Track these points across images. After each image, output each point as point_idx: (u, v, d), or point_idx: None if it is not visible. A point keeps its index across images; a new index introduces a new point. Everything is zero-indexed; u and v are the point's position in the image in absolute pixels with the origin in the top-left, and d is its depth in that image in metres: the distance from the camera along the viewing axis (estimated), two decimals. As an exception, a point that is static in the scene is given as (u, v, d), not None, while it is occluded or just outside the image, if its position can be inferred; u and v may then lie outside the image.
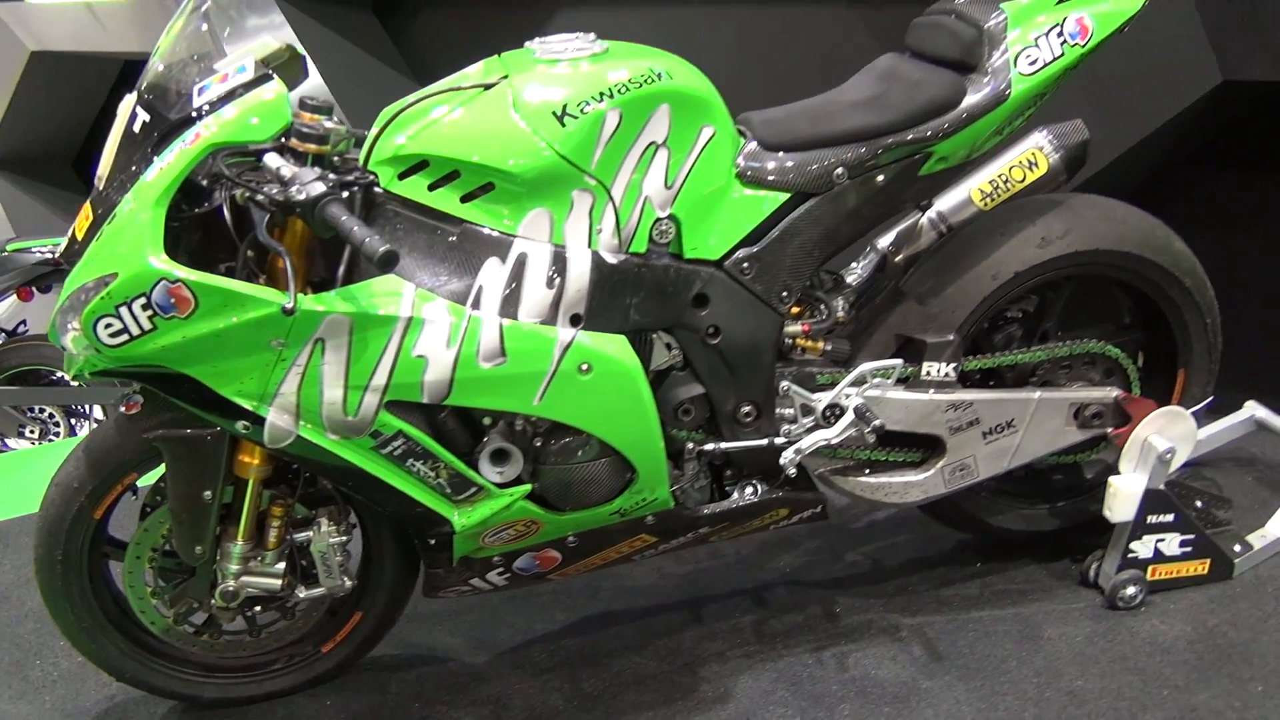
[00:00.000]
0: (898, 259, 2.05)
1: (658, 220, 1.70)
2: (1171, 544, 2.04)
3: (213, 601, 1.82)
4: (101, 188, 1.62)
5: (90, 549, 1.83)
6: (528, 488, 1.75)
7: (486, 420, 1.71)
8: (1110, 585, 2.03)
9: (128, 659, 1.92)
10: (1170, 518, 2.02)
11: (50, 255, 4.03)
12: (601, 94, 1.63)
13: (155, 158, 1.55)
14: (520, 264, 1.63)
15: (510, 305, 1.62)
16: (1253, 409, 2.46)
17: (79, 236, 1.62)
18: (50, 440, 4.12)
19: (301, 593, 1.88)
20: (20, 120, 7.11)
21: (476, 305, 1.61)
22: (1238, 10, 2.60)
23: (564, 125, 1.61)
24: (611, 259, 1.67)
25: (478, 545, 1.81)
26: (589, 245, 1.66)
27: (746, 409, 1.85)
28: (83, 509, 1.78)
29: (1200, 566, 2.07)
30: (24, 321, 4.43)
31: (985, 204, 2.03)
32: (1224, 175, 3.22)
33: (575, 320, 1.66)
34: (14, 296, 4.14)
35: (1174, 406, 2.01)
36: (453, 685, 2.02)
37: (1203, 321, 2.05)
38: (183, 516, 1.77)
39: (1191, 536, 2.04)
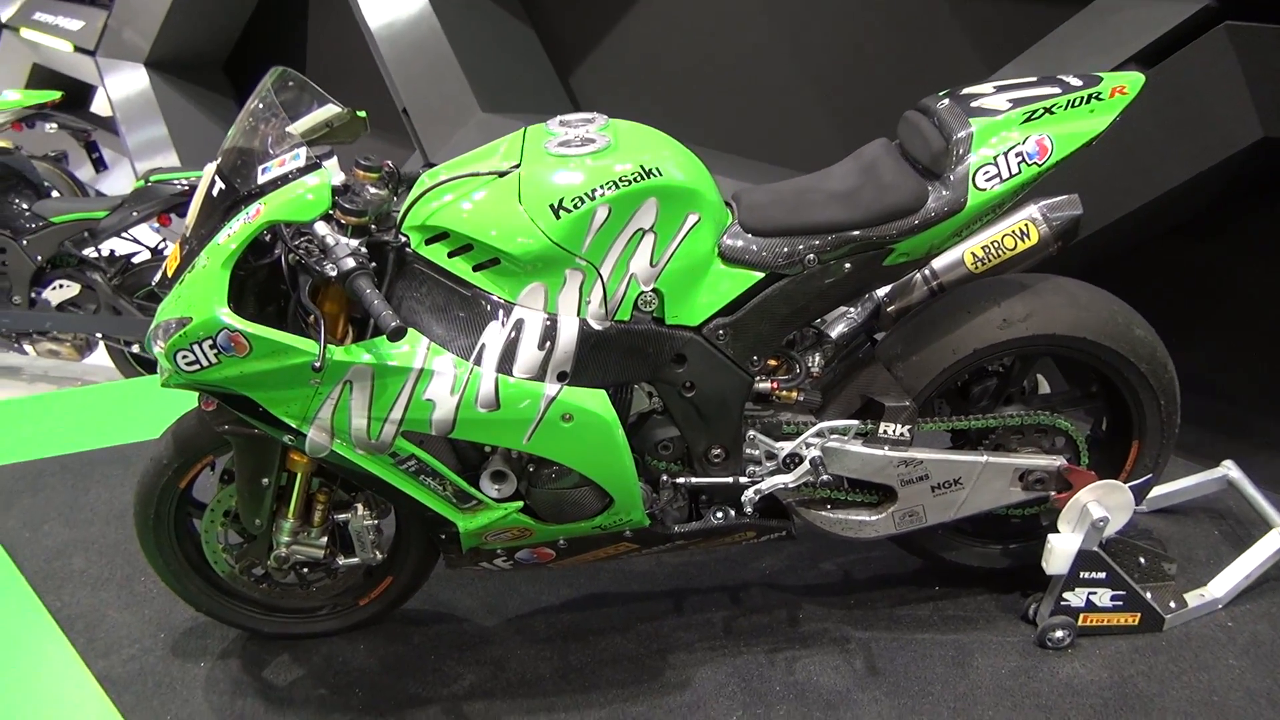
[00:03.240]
0: (890, 309, 2.27)
1: (642, 293, 1.98)
2: (1103, 597, 2.26)
3: (268, 562, 2.24)
4: (188, 234, 1.99)
5: (176, 511, 2.26)
6: (520, 504, 2.08)
7: (487, 448, 2.05)
8: (1042, 626, 2.27)
9: (204, 596, 2.36)
10: (1102, 575, 2.23)
11: (187, 186, 4.52)
12: (594, 191, 1.90)
13: (226, 222, 1.90)
14: (517, 328, 1.93)
15: (507, 362, 1.94)
16: (1227, 469, 2.62)
17: (169, 273, 2.00)
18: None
19: (341, 561, 2.28)
20: (177, 25, 7.63)
21: (479, 360, 1.93)
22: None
23: (558, 217, 1.89)
24: (597, 326, 1.96)
25: (481, 541, 2.17)
26: (578, 314, 1.95)
27: (716, 451, 2.14)
28: (170, 481, 2.21)
29: (1131, 618, 2.29)
30: (165, 241, 4.96)
31: (976, 267, 2.22)
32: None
33: (562, 376, 1.96)
34: (156, 221, 4.66)
35: (1112, 480, 2.20)
36: (463, 643, 2.41)
37: (1157, 403, 2.21)
38: (245, 495, 2.17)
39: (1123, 592, 2.26)
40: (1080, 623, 2.27)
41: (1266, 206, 3.07)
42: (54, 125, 6.29)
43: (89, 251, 4.70)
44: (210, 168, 1.98)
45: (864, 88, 4.24)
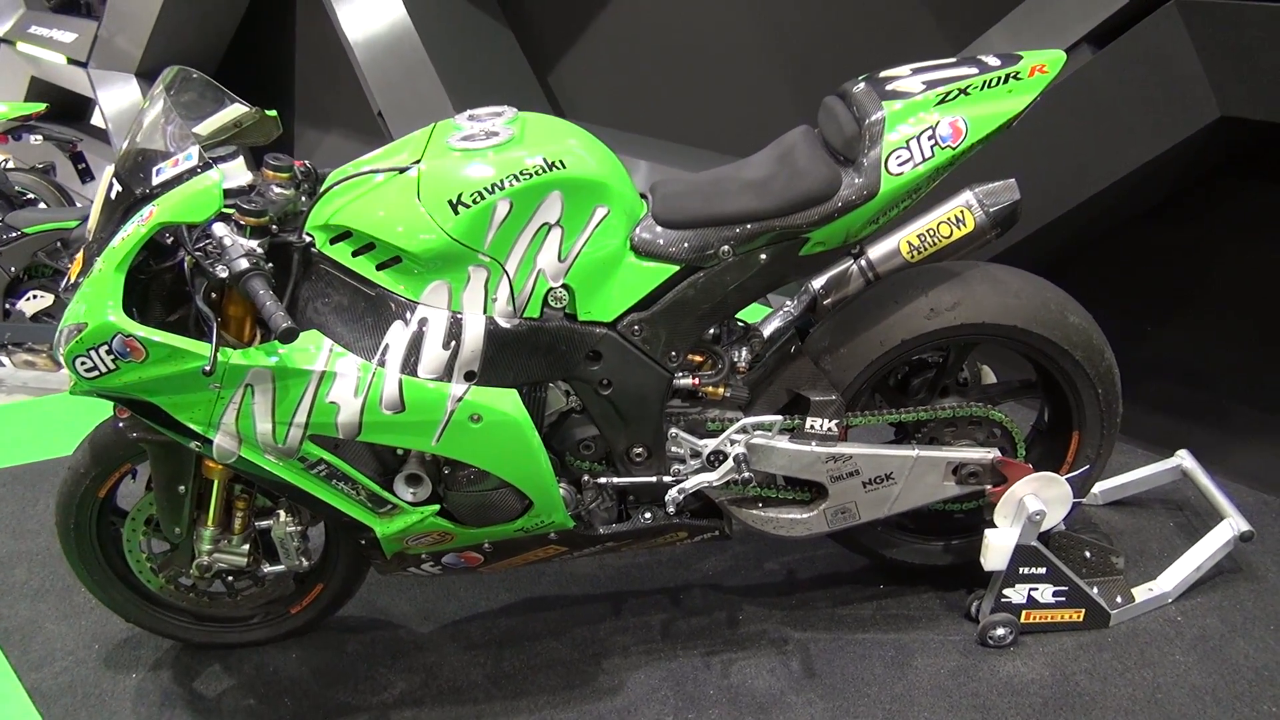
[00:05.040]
0: (827, 301, 2.21)
1: (551, 289, 1.93)
2: (1045, 593, 2.19)
3: (191, 571, 2.20)
4: (90, 239, 1.95)
5: (98, 520, 2.23)
6: (436, 507, 2.04)
7: (399, 451, 2.00)
8: (982, 624, 2.21)
9: (133, 606, 2.33)
10: (1042, 570, 2.17)
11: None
12: (494, 185, 1.85)
13: (123, 225, 1.86)
14: (421, 327, 1.89)
15: (411, 362, 1.89)
16: (1181, 458, 2.55)
17: (72, 278, 1.97)
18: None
19: (266, 568, 2.24)
20: (166, 35, 7.63)
21: (382, 361, 1.89)
22: (1233, 46, 2.57)
23: (457, 213, 1.84)
24: (505, 324, 1.91)
25: (403, 546, 2.12)
26: (484, 312, 1.90)
27: (638, 450, 2.08)
28: (88, 490, 2.18)
29: (1075, 614, 2.22)
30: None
31: (913, 256, 2.16)
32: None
33: (470, 376, 1.91)
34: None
35: (1049, 473, 2.13)
36: (397, 651, 2.36)
37: (1094, 391, 2.15)
38: (163, 503, 2.14)
39: (1065, 588, 2.19)
40: (1022, 620, 2.21)
41: (1230, 188, 2.99)
42: (39, 137, 6.30)
43: (63, 261, 4.69)
44: (109, 170, 1.94)
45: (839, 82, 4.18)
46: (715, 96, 4.77)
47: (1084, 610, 2.21)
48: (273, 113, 2.08)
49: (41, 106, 6.21)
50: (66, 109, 8.94)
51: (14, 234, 4.66)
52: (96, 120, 9.26)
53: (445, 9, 5.57)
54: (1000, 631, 2.19)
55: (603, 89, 5.33)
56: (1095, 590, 2.22)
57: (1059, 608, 2.21)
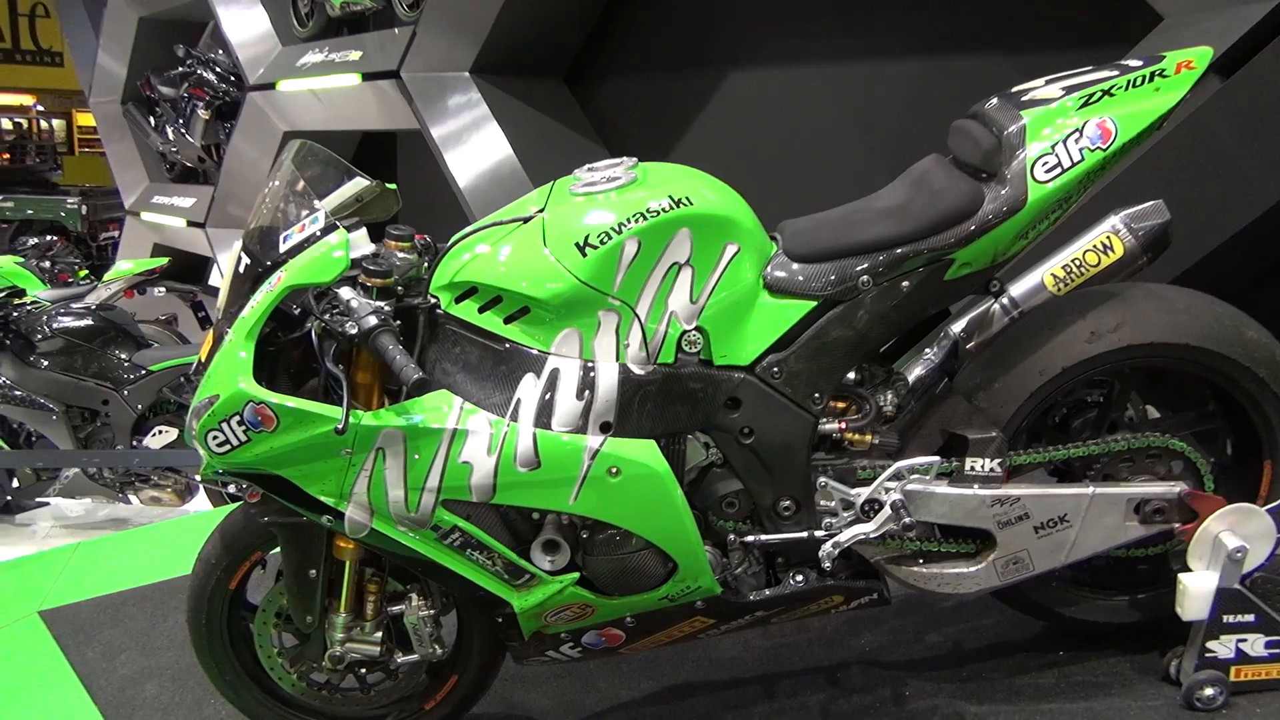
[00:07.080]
0: (969, 345, 2.08)
1: (685, 332, 1.84)
2: (1256, 645, 1.95)
3: (324, 663, 2.10)
4: (220, 317, 1.95)
5: (229, 614, 2.16)
6: (576, 575, 1.92)
7: (535, 515, 1.90)
8: (1187, 685, 1.97)
9: (264, 707, 2.23)
10: (1250, 618, 1.93)
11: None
12: (621, 225, 1.80)
13: (253, 296, 1.85)
14: (553, 378, 1.81)
15: (544, 416, 1.81)
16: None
17: (202, 359, 1.95)
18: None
19: (400, 658, 2.13)
20: (277, 191, 8.02)
21: (515, 416, 1.81)
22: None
23: (585, 255, 1.79)
24: (639, 370, 1.83)
25: (542, 624, 2.00)
26: (617, 359, 1.82)
27: (785, 503, 1.95)
28: (220, 581, 2.12)
29: (1293, 669, 1.97)
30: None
31: (1059, 289, 2.03)
32: None
33: (605, 428, 1.82)
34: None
35: (1245, 504, 1.92)
36: (537, 747, 2.22)
37: (1285, 412, 1.95)
38: (294, 590, 2.06)
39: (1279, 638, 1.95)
40: (1233, 677, 1.96)
41: None
42: (162, 289, 6.59)
43: (187, 395, 4.81)
44: (236, 245, 1.95)
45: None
46: (812, 192, 4.76)
47: (1304, 663, 1.96)
48: (393, 186, 2.08)
49: (163, 261, 6.51)
50: (186, 270, 9.39)
51: (141, 372, 4.80)
52: (214, 279, 9.72)
53: (544, 137, 5.74)
54: (1209, 692, 1.95)
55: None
56: (1313, 641, 1.97)
57: (1274, 661, 1.96)
